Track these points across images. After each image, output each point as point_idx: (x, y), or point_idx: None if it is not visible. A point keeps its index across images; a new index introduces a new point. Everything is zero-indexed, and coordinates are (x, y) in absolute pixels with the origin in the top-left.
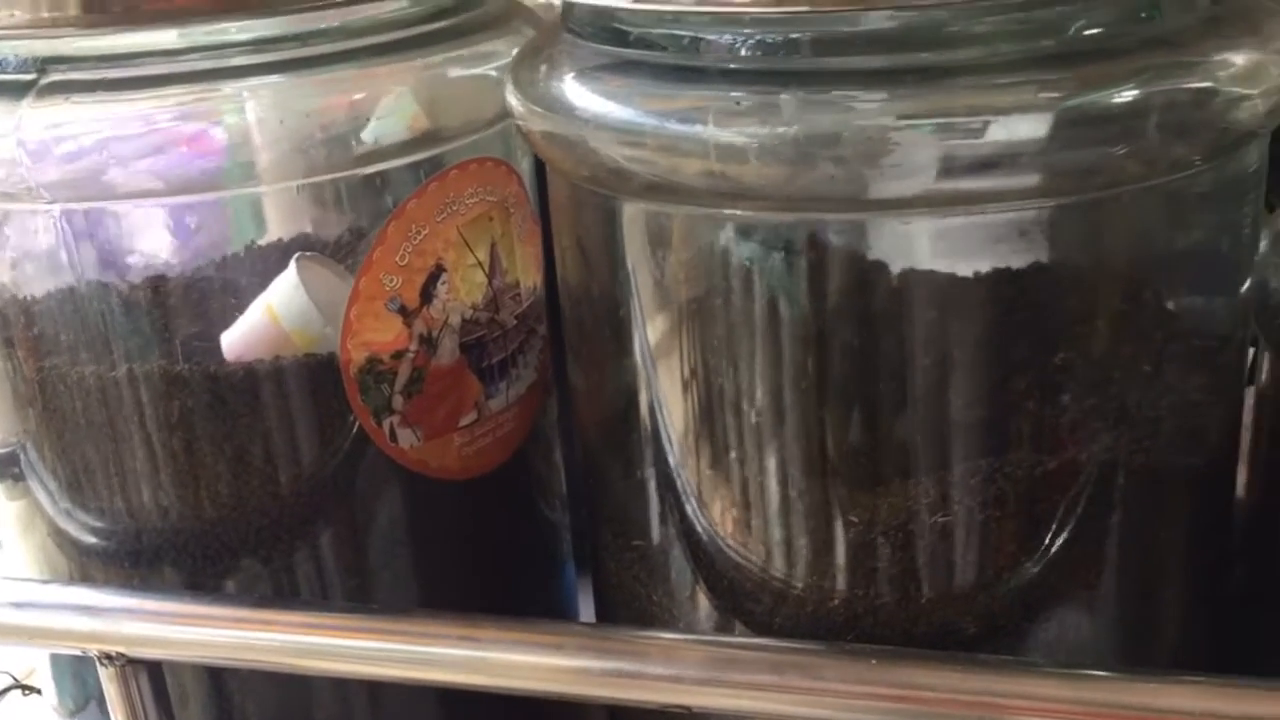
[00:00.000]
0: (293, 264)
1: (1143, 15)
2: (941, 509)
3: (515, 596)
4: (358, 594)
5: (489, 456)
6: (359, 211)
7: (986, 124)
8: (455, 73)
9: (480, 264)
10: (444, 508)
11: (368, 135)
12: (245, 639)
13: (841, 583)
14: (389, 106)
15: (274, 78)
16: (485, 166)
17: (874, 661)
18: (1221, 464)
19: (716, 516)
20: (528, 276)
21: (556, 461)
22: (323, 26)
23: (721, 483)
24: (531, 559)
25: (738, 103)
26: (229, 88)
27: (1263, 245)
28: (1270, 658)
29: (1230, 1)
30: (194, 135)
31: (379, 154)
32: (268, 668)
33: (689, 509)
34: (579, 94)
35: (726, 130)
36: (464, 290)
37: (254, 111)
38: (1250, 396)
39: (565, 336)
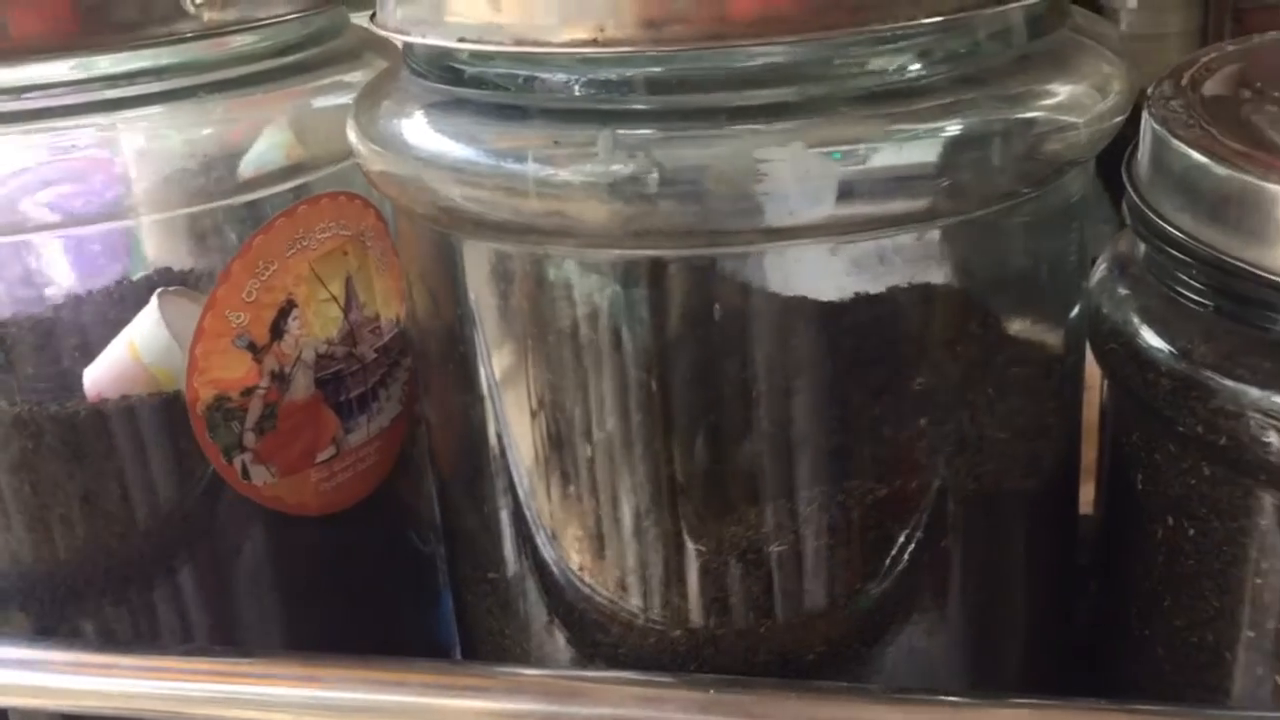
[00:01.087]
0: (154, 299)
1: (961, 52)
2: (781, 537)
3: (392, 631)
4: (219, 635)
5: (350, 491)
6: (227, 244)
7: (816, 161)
8: (320, 103)
9: (334, 298)
10: (305, 544)
11: (246, 166)
12: (83, 685)
13: (684, 613)
14: (268, 136)
15: (146, 109)
16: (338, 201)
17: (712, 691)
18: (1063, 484)
19: (562, 549)
20: (388, 309)
21: (428, 492)
22: (190, 59)
23: (566, 515)
24: (406, 592)
25: (555, 142)
26: (100, 119)
27: (1100, 270)
28: (1122, 673)
29: (1048, 37)
30: (71, 169)
31: (254, 184)
32: (106, 713)
33: (536, 542)
34: (415, 132)
35: (550, 169)
36: (317, 325)
37: (123, 144)
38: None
39: (416, 370)
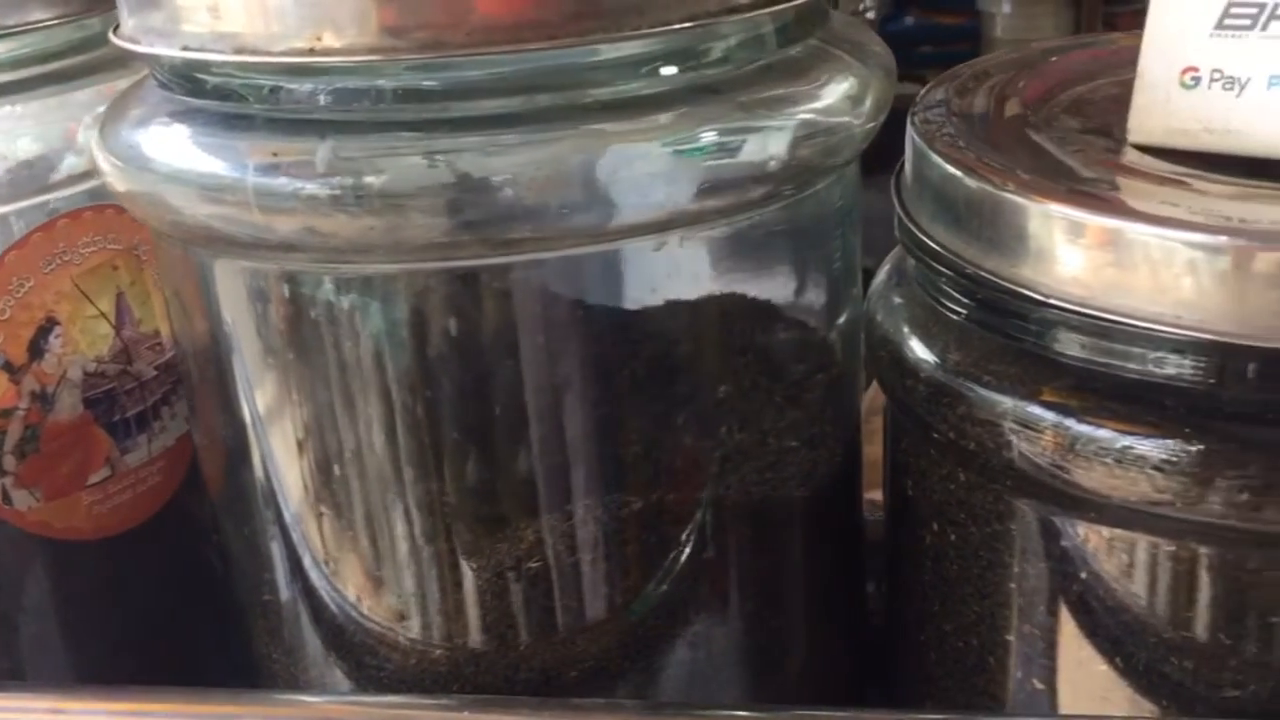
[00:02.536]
0: None
1: (697, 62)
2: (538, 554)
3: (190, 655)
4: None
5: (130, 512)
6: None
7: (567, 171)
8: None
9: (104, 315)
10: (80, 570)
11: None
12: None
13: (446, 632)
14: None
15: None
16: (105, 214)
17: (466, 712)
18: (842, 492)
19: (325, 571)
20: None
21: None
22: None
23: (327, 537)
24: (203, 614)
25: (274, 154)
26: None
27: (879, 279)
28: (904, 679)
29: (793, 47)
30: None
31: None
32: None
33: (302, 564)
34: (152, 145)
35: (269, 180)
36: (84, 343)
37: None
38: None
39: (183, 390)
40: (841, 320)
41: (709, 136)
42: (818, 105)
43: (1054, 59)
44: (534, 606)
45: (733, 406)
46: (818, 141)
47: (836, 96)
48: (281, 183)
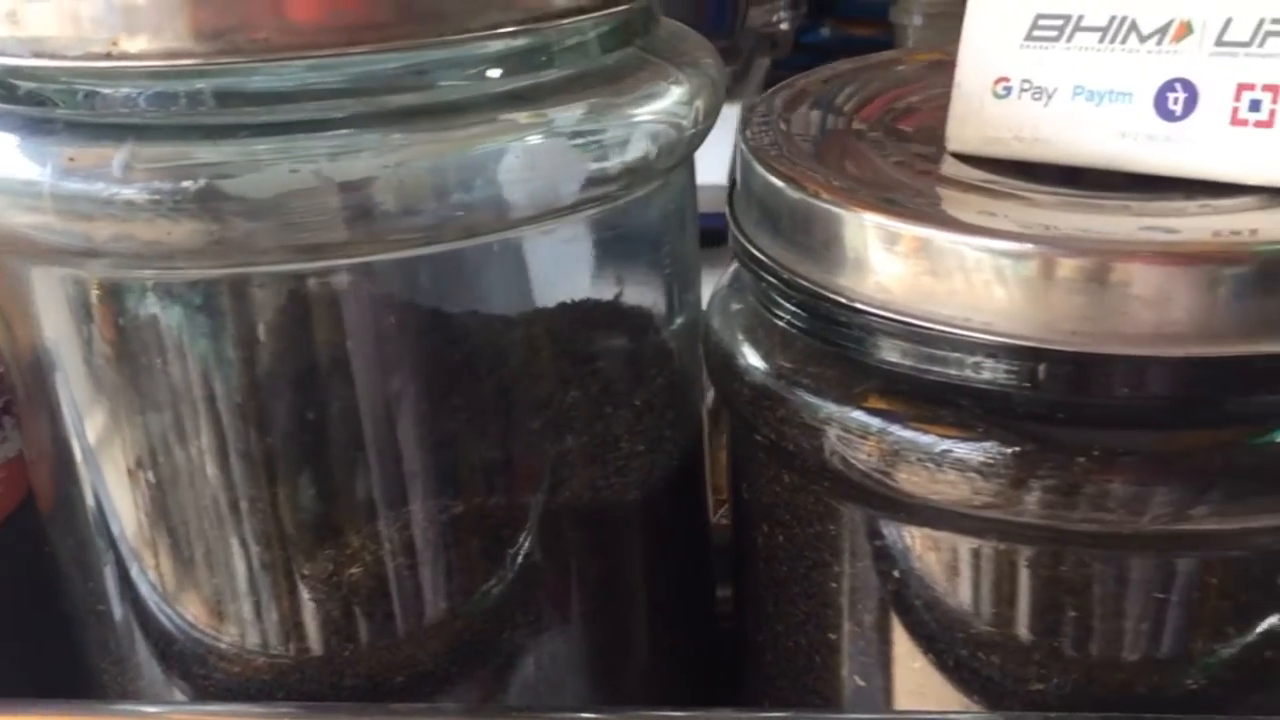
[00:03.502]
0: None
1: (511, 70)
2: (359, 561)
3: (37, 667)
4: None
5: None
6: None
7: (390, 177)
8: None
9: None
10: None
11: None
12: None
13: (270, 642)
14: None
15: None
16: None
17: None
18: (684, 494)
19: (149, 580)
20: None
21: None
22: None
23: (153, 546)
24: (49, 626)
25: (71, 159)
26: None
27: (721, 284)
28: (747, 680)
29: (624, 52)
30: None
31: None
32: None
33: (128, 574)
34: None
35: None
36: None
37: None
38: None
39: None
40: (678, 325)
41: (535, 140)
42: (643, 111)
43: (889, 69)
44: (357, 614)
45: (563, 411)
46: (642, 147)
47: (662, 102)
48: (80, 187)
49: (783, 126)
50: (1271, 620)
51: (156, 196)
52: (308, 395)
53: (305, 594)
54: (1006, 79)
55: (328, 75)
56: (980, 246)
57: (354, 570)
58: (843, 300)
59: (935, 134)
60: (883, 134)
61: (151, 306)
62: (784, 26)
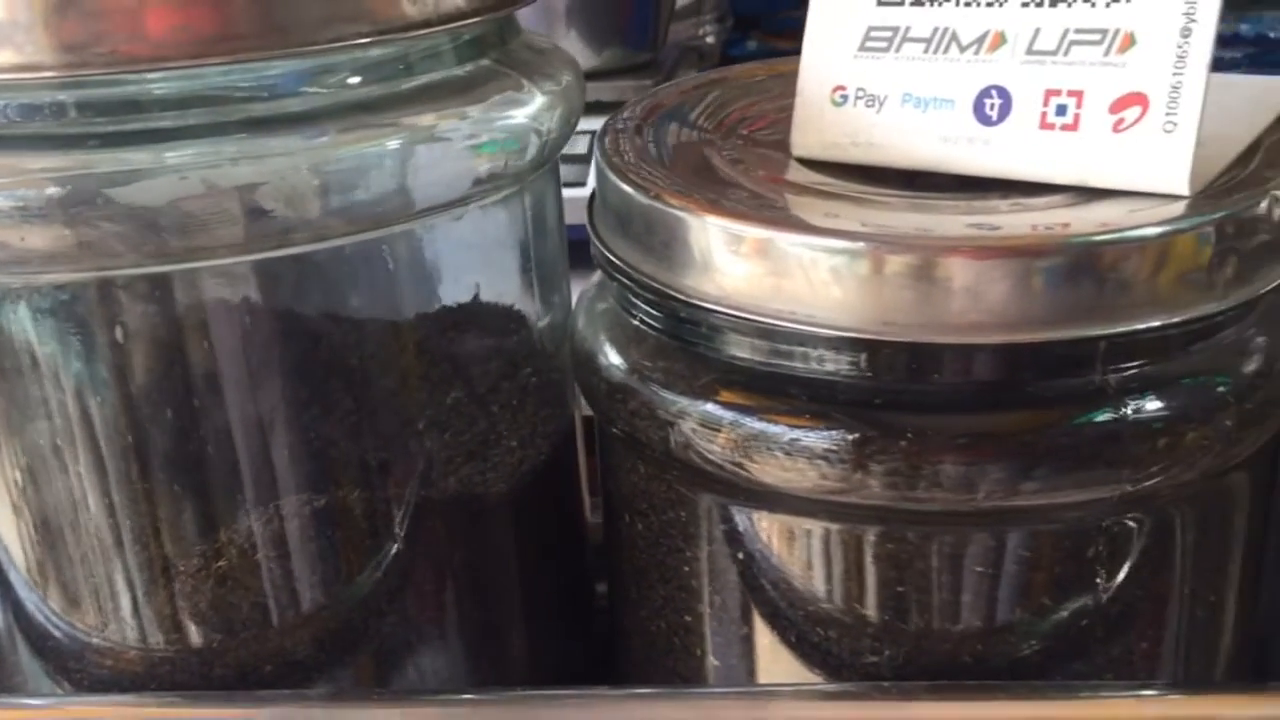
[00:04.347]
0: None
1: (354, 81)
2: (226, 554)
3: None
4: None
5: None
6: None
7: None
8: None
9: None
10: None
11: None
12: None
13: (140, 635)
14: None
15: None
16: None
17: (152, 709)
18: (555, 487)
19: (21, 576)
20: None
21: None
22: None
23: (25, 544)
24: None
25: None
26: None
27: (591, 285)
28: (621, 663)
29: (478, 63)
30: None
31: None
32: None
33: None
34: None
35: None
36: None
37: None
38: None
39: None
40: (544, 324)
41: (394, 145)
42: (496, 120)
43: (747, 80)
44: (226, 606)
45: (429, 408)
46: (495, 154)
47: (515, 112)
48: None
49: (638, 137)
50: (1090, 590)
51: (21, 204)
52: (176, 395)
53: (176, 587)
54: (843, 87)
55: (189, 85)
56: (816, 246)
57: (221, 564)
58: (691, 300)
59: (784, 141)
60: (735, 142)
61: (19, 310)
62: (710, 40)
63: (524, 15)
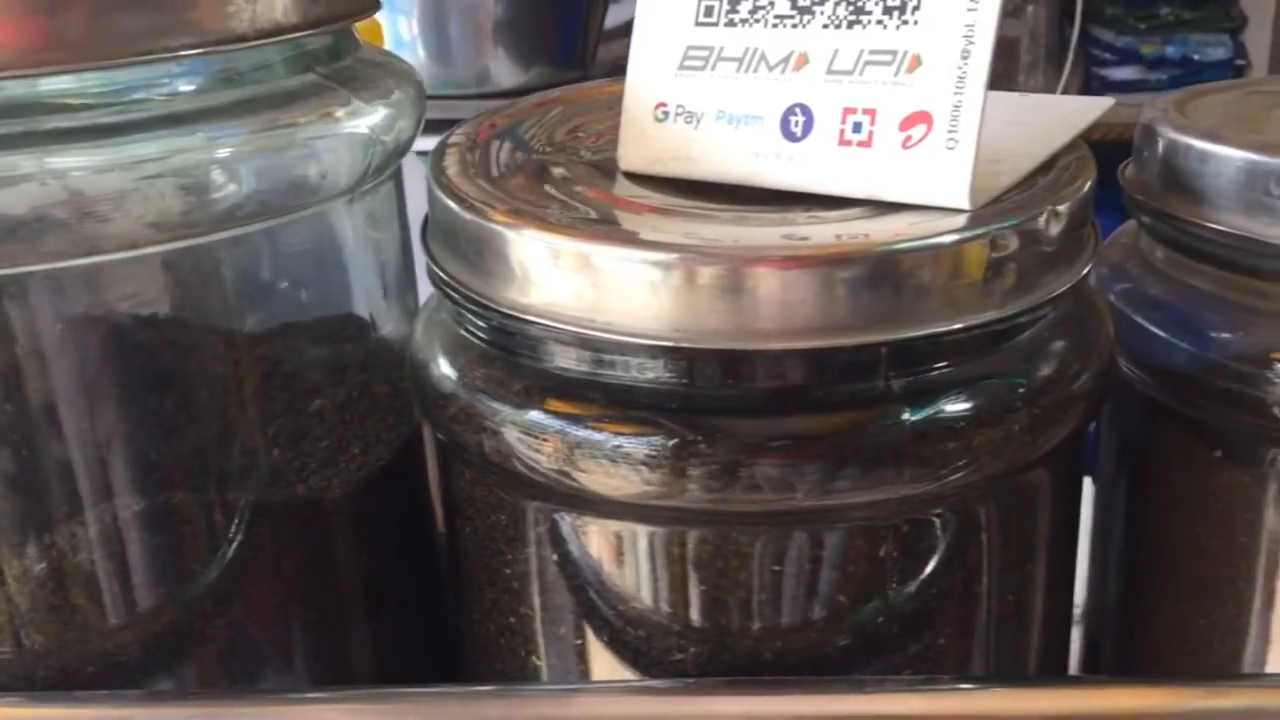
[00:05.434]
0: None
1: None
2: (49, 558)
3: None
4: None
5: None
6: None
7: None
8: None
9: None
10: None
11: None
12: None
13: None
14: None
15: None
16: None
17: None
18: (399, 494)
19: None
20: None
21: None
22: None
23: None
24: None
25: None
26: None
27: (434, 297)
28: (463, 664)
29: (299, 79)
30: None
31: None
32: None
33: None
34: None
35: None
36: None
37: None
38: None
39: None
40: (385, 332)
41: (218, 155)
42: (321, 132)
43: (585, 99)
44: (43, 609)
45: (262, 414)
46: (321, 163)
47: (345, 122)
48: None
49: (469, 154)
50: (900, 585)
51: None
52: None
53: (22, 586)
54: (665, 104)
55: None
56: (634, 258)
57: (42, 566)
58: (511, 313)
59: (613, 158)
60: (568, 158)
61: None
62: None
63: (454, 30)
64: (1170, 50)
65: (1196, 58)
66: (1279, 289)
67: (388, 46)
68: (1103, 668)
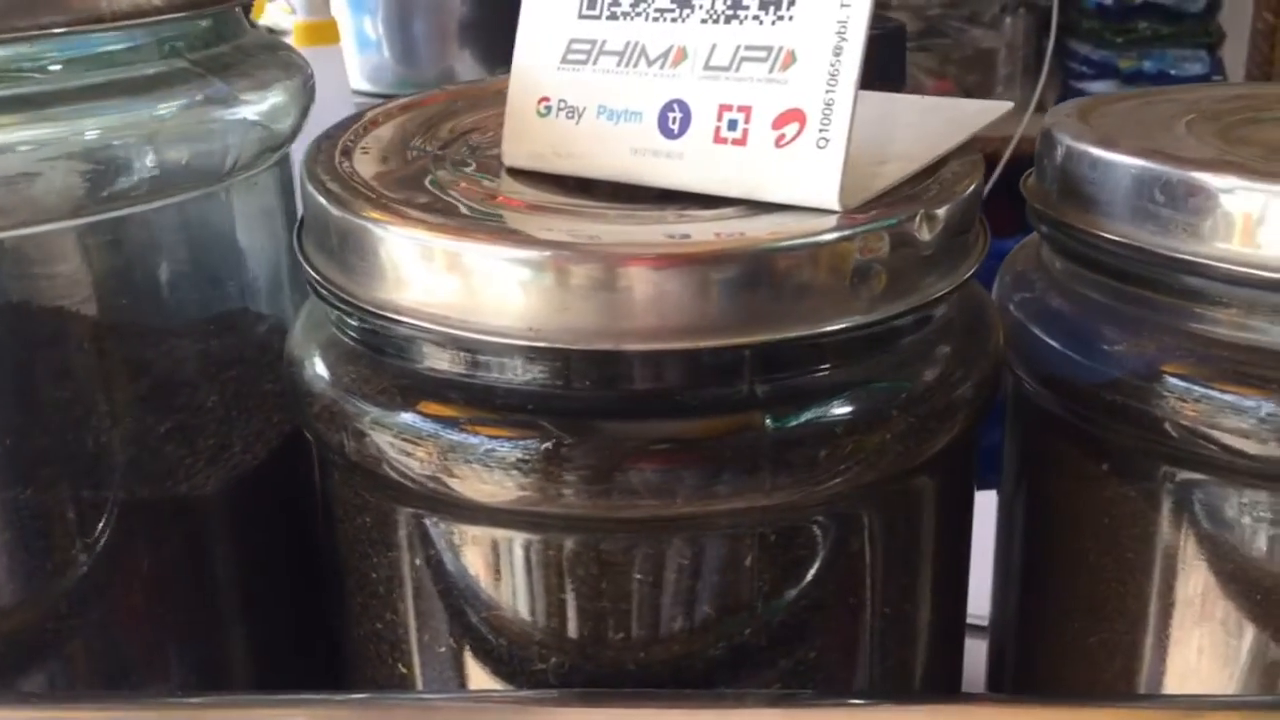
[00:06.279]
0: None
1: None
2: None
3: None
4: None
5: None
6: None
7: None
8: None
9: None
10: None
11: None
12: None
13: None
14: None
15: None
16: None
17: None
18: (273, 493)
19: None
20: None
21: None
22: None
23: None
24: None
25: None
26: None
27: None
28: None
29: (165, 64)
30: None
31: None
32: None
33: None
34: None
35: None
36: None
37: None
38: None
39: None
40: (264, 327)
41: (85, 138)
42: (195, 117)
43: (477, 95)
44: None
45: (130, 404)
46: (183, 151)
47: (211, 109)
48: None
49: (346, 152)
50: (776, 593)
51: None
52: None
53: None
54: (547, 99)
55: None
56: (508, 257)
57: None
58: (382, 313)
59: (498, 154)
60: (450, 154)
61: None
62: None
63: (419, 30)
64: (1148, 65)
65: (1174, 72)
66: (1168, 300)
67: (352, 46)
68: (1005, 685)
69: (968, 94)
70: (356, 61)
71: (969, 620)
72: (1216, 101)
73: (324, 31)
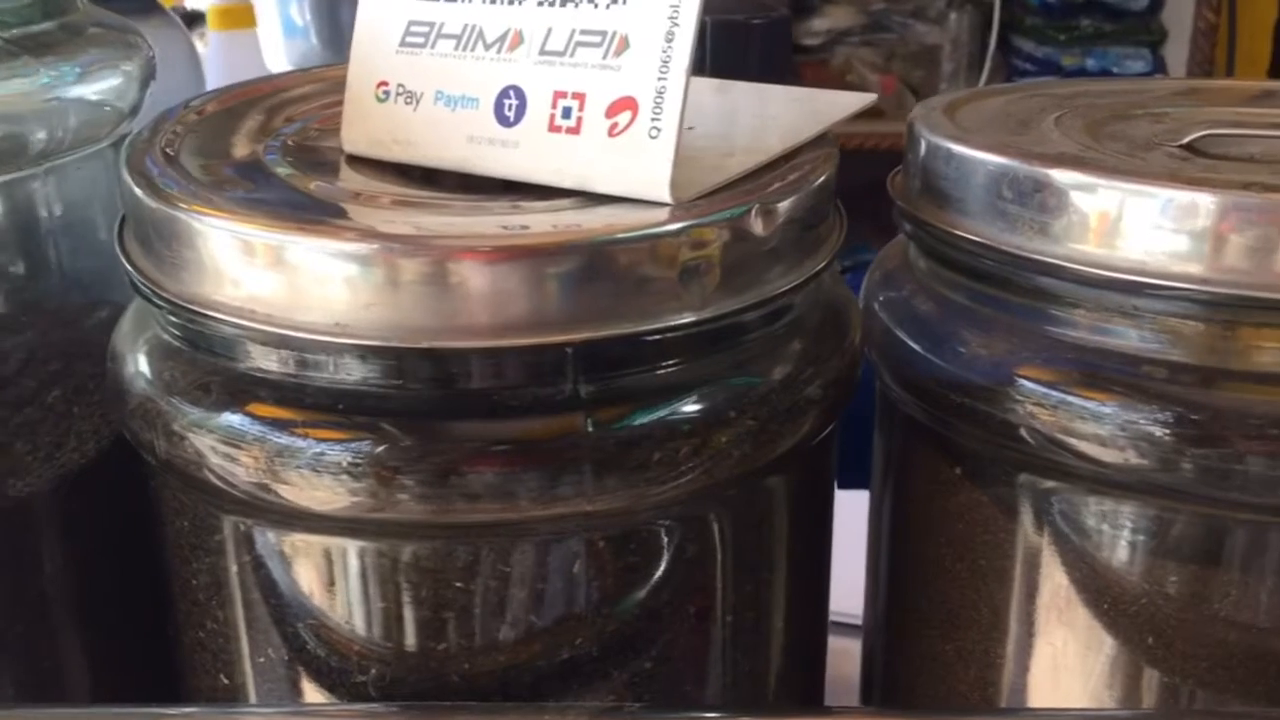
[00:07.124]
0: None
1: None
2: None
3: None
4: None
5: None
6: None
7: None
8: None
9: None
10: None
11: None
12: None
13: None
14: None
15: None
16: None
17: None
18: (116, 502)
19: None
20: None
21: None
22: None
23: None
24: None
25: None
26: None
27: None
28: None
29: (18, 30)
30: None
31: None
32: None
33: None
34: None
35: None
36: None
37: None
38: None
39: None
40: (96, 320)
41: None
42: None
43: (320, 81)
44: None
45: None
46: (11, 127)
47: (39, 87)
48: None
49: (171, 141)
50: (625, 598)
51: None
52: None
53: None
54: (386, 83)
55: None
56: (335, 252)
57: None
58: (194, 309)
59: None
60: (283, 142)
61: None
62: None
63: (346, 17)
64: (1090, 63)
65: (1116, 70)
66: (1021, 302)
67: (278, 32)
68: (874, 691)
69: (913, 90)
70: (283, 47)
71: (851, 621)
72: (1095, 96)
73: (240, 16)
